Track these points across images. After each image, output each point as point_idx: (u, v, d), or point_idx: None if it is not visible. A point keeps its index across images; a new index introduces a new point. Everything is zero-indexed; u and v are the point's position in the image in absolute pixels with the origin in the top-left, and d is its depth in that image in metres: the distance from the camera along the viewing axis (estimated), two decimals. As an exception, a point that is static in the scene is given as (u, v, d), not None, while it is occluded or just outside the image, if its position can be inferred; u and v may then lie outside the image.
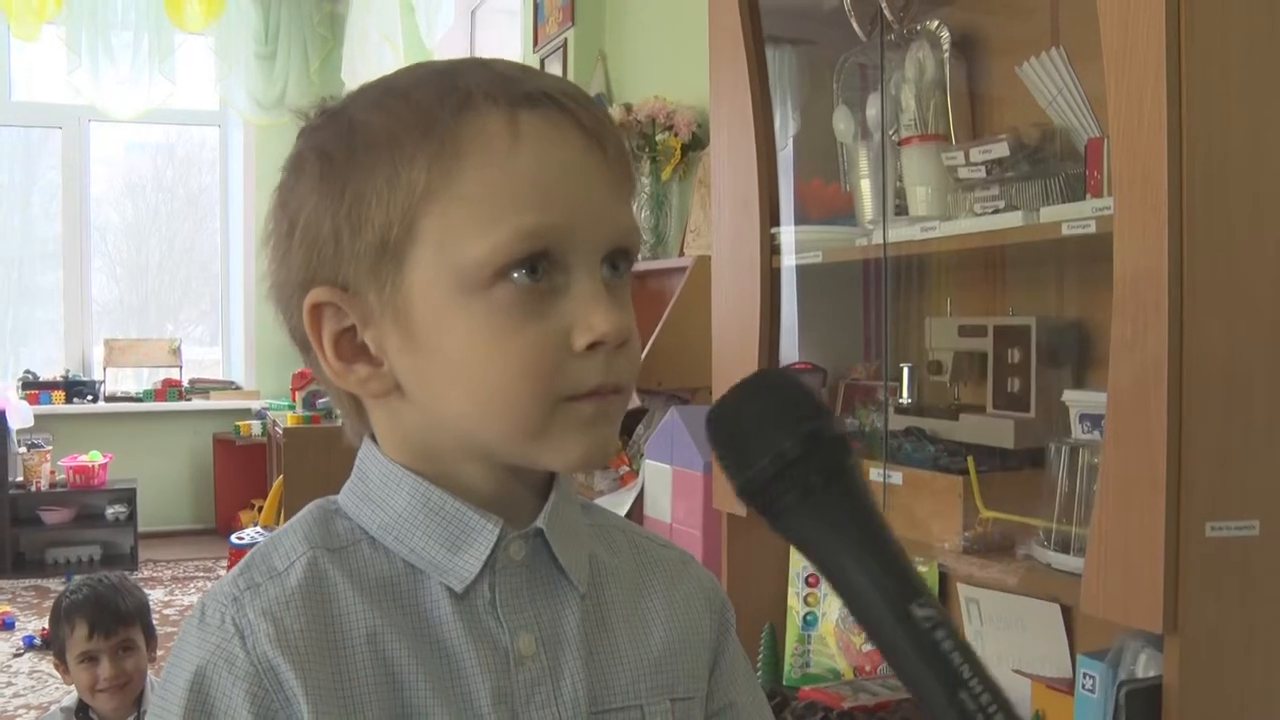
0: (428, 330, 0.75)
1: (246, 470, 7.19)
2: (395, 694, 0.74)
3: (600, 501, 2.97)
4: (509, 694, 0.77)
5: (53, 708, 2.78)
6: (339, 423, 0.87)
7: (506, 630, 0.78)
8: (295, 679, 0.72)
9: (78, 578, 2.89)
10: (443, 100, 0.74)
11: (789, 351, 2.21)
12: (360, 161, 0.75)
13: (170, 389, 7.44)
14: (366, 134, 0.75)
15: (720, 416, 0.69)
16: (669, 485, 2.64)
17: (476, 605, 0.78)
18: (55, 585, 6.24)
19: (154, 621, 2.76)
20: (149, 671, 2.67)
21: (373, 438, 0.82)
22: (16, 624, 5.48)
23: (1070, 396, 1.69)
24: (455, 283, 0.73)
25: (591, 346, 0.74)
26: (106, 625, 2.58)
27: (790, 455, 0.66)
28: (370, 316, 0.76)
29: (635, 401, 3.03)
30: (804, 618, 2.25)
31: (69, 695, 2.70)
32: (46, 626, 5.13)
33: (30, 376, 7.24)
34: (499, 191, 0.73)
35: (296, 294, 0.78)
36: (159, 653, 2.76)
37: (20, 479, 6.70)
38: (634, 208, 0.82)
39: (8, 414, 6.57)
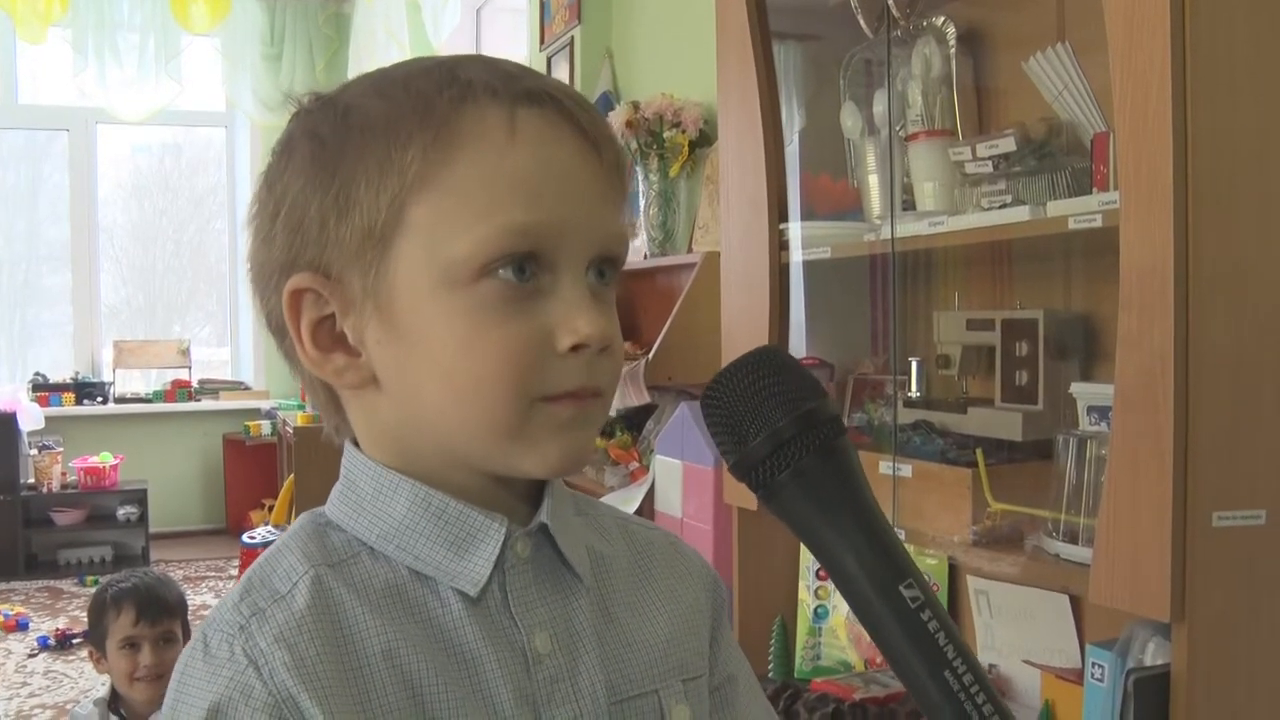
0: (409, 322, 0.73)
1: (257, 470, 7.22)
2: (418, 708, 0.72)
3: (610, 497, 2.99)
4: (530, 694, 0.75)
5: (84, 699, 2.80)
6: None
7: (522, 630, 0.76)
8: (316, 707, 0.69)
9: (117, 572, 2.91)
10: (442, 89, 0.73)
11: (798, 346, 2.23)
12: (353, 144, 0.73)
13: (179, 390, 7.46)
14: (362, 118, 0.74)
15: (716, 393, 0.69)
16: (679, 480, 2.65)
17: (489, 607, 0.76)
18: (68, 586, 6.27)
19: None
20: None
21: (354, 441, 0.81)
22: (30, 625, 5.51)
23: (1078, 389, 1.70)
24: (441, 275, 0.72)
25: (574, 349, 0.73)
26: (153, 613, 2.62)
27: (785, 434, 0.67)
28: (351, 305, 0.75)
29: (645, 397, 3.04)
30: (815, 610, 2.26)
31: (101, 686, 2.73)
32: (60, 626, 5.22)
33: (40, 379, 7.26)
34: (492, 186, 0.72)
35: (277, 278, 0.76)
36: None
37: (31, 481, 6.73)
38: (625, 216, 0.81)
39: (18, 416, 6.60)
